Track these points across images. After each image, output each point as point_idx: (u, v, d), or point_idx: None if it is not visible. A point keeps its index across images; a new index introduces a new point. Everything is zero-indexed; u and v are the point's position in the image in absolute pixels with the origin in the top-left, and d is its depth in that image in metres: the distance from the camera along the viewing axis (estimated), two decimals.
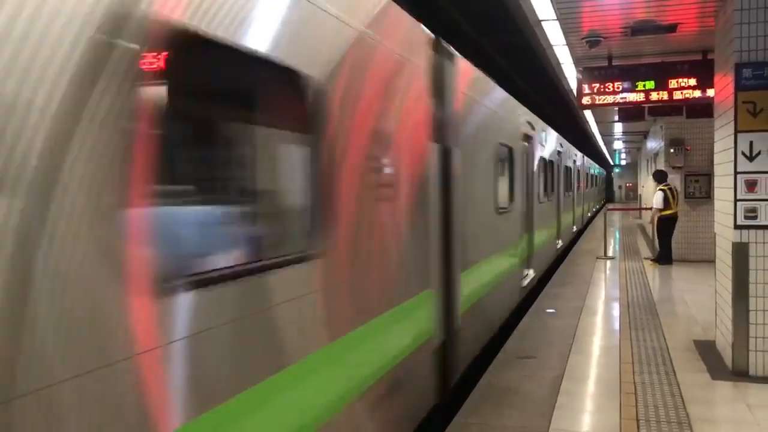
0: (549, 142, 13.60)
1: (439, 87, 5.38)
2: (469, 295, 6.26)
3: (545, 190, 12.88)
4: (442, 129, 5.41)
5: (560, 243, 15.56)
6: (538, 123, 11.97)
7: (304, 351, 3.11)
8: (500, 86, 8.20)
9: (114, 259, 1.98)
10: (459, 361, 5.84)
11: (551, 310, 9.18)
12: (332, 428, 3.33)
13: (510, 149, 8.85)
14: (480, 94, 7.05)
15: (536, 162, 11.42)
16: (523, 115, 10.10)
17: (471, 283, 6.39)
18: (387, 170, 4.22)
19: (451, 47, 5.79)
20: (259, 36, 2.74)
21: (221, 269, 2.55)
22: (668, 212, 13.51)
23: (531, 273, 10.55)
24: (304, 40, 3.13)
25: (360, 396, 3.72)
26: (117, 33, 1.97)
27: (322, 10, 3.29)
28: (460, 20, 12.86)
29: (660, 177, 13.95)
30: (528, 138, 10.50)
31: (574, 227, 20.42)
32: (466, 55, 6.36)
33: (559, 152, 15.70)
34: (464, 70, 6.29)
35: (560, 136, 16.62)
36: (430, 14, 9.26)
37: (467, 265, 6.24)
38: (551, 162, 14.04)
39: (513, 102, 9.30)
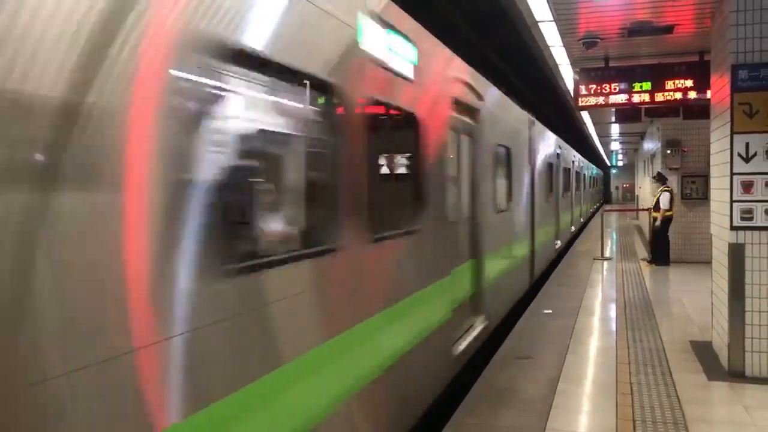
0: (568, 156, 19.83)
1: (530, 139, 11.41)
2: (537, 242, 11.90)
3: (565, 189, 18.68)
4: (530, 158, 11.35)
5: (574, 228, 21.35)
6: (563, 144, 18.21)
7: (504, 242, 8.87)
8: (498, 87, 8.43)
9: None
10: (535, 270, 11.75)
11: (548, 311, 9.20)
12: (507, 275, 8.68)
13: (551, 164, 14.80)
14: (541, 136, 13.19)
15: (561, 170, 17.38)
16: (557, 141, 16.32)
17: (537, 237, 11.96)
18: (523, 178, 10.58)
19: (533, 117, 12.03)
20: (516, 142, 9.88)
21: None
22: (670, 213, 13.56)
23: (558, 242, 16.10)
24: (512, 133, 9.51)
25: (515, 267, 9.52)
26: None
27: (514, 127, 9.82)
28: (458, 20, 12.88)
29: (662, 178, 13.96)
30: (558, 155, 16.37)
31: (581, 219, 26.34)
32: (463, 55, 6.53)
33: (573, 161, 21.83)
34: (538, 127, 12.58)
35: (573, 150, 22.64)
36: (428, 14, 9.28)
37: (537, 227, 11.92)
38: (568, 169, 19.77)
39: (554, 135, 15.82)
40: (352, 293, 3.78)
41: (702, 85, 8.58)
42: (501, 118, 8.62)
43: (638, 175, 29.84)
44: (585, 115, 18.27)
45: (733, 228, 5.99)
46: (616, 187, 62.81)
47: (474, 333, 6.68)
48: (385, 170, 5.48)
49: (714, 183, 6.88)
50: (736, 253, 5.98)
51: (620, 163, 50.45)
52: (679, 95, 8.95)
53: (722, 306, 6.35)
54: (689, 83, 8.85)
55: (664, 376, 6.13)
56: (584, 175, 28.32)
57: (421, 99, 5.01)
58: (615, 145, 32.83)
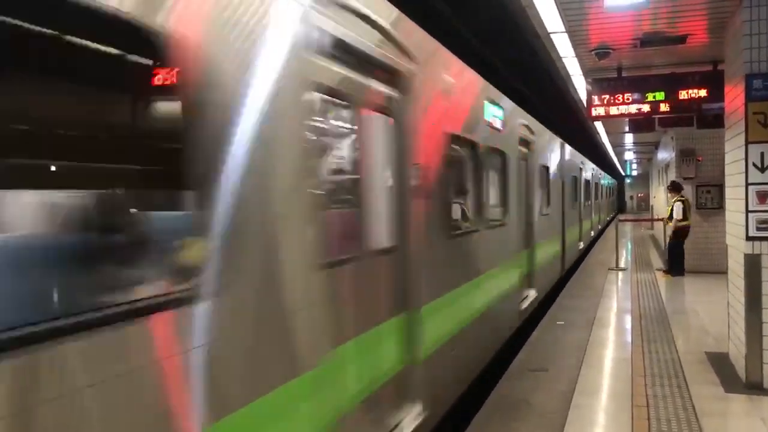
0: (597, 173, 26.95)
1: (580, 168, 18.90)
2: (583, 227, 18.86)
3: (606, 196, 29.78)
4: (577, 178, 17.99)
5: (600, 227, 28.47)
6: (591, 164, 24.08)
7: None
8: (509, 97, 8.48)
9: None
10: (582, 235, 19.10)
11: (561, 322, 9.14)
12: (573, 246, 16.12)
13: (588, 182, 20.87)
14: (585, 165, 20.61)
15: (599, 184, 26.30)
16: (589, 163, 22.47)
17: (582, 223, 18.72)
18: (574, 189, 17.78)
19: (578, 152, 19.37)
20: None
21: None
22: (685, 223, 13.45)
23: (594, 232, 24.04)
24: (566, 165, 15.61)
25: (572, 244, 15.98)
26: None
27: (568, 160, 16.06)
28: (467, 33, 12.89)
29: (677, 187, 13.84)
30: (586, 172, 21.22)
31: (607, 218, 34.74)
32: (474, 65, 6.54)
33: (600, 177, 29.16)
34: (585, 163, 20.73)
35: (596, 167, 28.09)
36: (438, 28, 9.32)
37: (589, 217, 21.89)
38: (596, 183, 26.49)
39: (586, 160, 21.32)
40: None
41: (716, 94, 8.51)
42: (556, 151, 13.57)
43: (652, 185, 29.67)
44: (599, 125, 18.22)
45: (748, 238, 5.93)
46: (631, 197, 62.49)
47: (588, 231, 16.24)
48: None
49: (729, 193, 6.83)
50: (753, 264, 5.93)
51: (634, 173, 50.21)
52: (692, 105, 8.91)
53: (738, 317, 6.29)
54: (703, 93, 8.80)
55: (680, 388, 6.07)
56: (611, 188, 39.85)
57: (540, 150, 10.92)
58: (629, 155, 32.68)
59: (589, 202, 22.47)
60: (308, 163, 3.13)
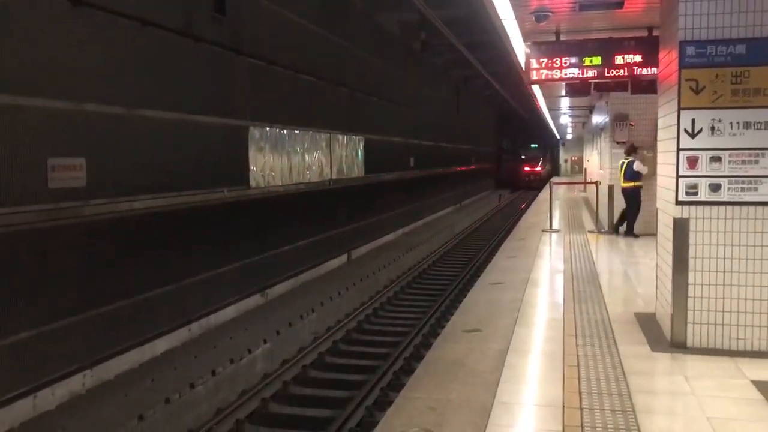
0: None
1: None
2: None
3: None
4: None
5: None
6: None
7: None
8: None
9: None
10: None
11: (497, 283, 9.27)
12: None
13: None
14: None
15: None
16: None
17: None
18: None
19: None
20: None
21: None
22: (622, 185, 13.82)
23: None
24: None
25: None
26: None
27: None
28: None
29: (628, 150, 14.09)
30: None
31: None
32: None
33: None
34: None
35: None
36: None
37: None
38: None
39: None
40: None
41: (650, 60, 8.64)
42: None
43: (586, 149, 30.31)
44: (536, 88, 18.39)
45: (678, 203, 6.08)
46: (565, 160, 63.80)
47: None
48: None
49: (661, 158, 6.97)
50: (681, 228, 6.09)
51: (569, 137, 51.19)
52: (627, 70, 9.02)
53: (666, 278, 6.48)
54: (638, 58, 8.91)
55: (609, 347, 6.24)
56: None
57: None
58: (564, 119, 33.23)
59: None
60: None
